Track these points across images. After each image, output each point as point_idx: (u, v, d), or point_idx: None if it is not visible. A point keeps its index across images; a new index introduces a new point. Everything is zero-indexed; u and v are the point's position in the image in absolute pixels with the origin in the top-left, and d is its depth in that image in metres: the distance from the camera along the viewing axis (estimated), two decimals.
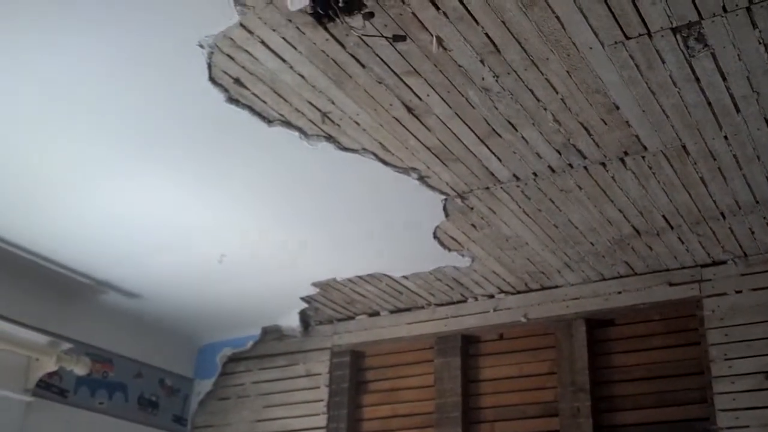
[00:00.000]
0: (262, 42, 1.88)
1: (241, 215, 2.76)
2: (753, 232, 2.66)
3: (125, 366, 3.68)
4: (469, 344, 3.38)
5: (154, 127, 2.27)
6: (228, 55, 1.94)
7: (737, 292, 2.83)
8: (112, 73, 2.04)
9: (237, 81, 2.04)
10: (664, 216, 2.59)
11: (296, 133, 2.24)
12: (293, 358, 3.75)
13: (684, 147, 2.22)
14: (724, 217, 2.58)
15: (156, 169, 2.48)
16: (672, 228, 2.66)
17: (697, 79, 1.93)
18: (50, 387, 3.32)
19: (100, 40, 1.92)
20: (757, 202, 2.48)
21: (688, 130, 2.14)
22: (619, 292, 3.05)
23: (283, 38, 1.86)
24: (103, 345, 3.58)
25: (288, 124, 2.21)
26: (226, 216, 2.77)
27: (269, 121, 2.20)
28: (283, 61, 1.94)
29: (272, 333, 3.81)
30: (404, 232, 2.86)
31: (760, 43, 1.80)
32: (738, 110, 2.05)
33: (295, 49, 1.89)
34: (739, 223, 2.61)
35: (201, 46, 1.91)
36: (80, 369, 3.28)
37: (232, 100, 2.11)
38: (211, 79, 2.03)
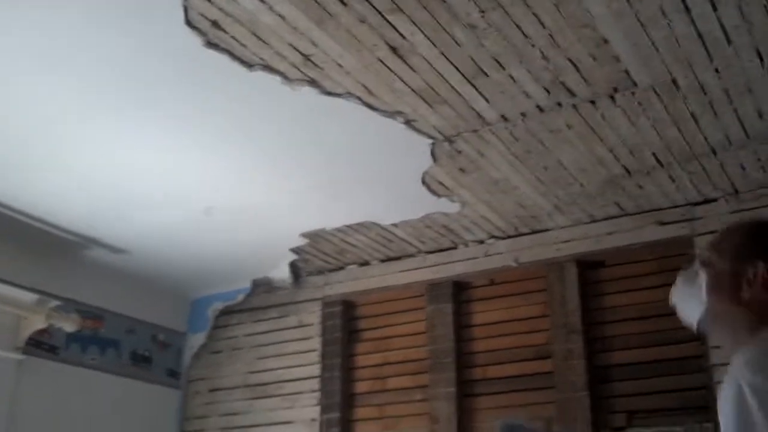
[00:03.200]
0: None
1: (226, 166, 2.72)
2: (744, 169, 2.64)
3: (116, 322, 3.67)
4: (460, 290, 3.38)
5: (133, 77, 2.21)
6: None
7: None
8: (87, 23, 1.98)
9: (215, 24, 1.97)
10: (654, 154, 2.56)
11: (278, 78, 2.19)
12: (285, 310, 3.75)
13: (674, 81, 2.17)
14: (714, 154, 2.55)
15: (138, 121, 2.43)
16: (662, 166, 2.63)
17: (688, 10, 1.88)
18: (41, 344, 3.31)
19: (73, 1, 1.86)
20: (749, 137, 2.45)
21: (678, 63, 2.09)
22: (610, 233, 3.03)
23: None
24: (92, 301, 3.56)
25: (269, 68, 2.15)
26: (211, 168, 2.72)
27: (250, 66, 2.14)
28: (262, 1, 1.88)
29: (263, 285, 3.80)
30: (392, 179, 2.83)
31: None
32: (729, 41, 2.00)
33: None
34: (730, 159, 2.58)
35: None
36: (69, 326, 3.27)
37: (211, 44, 2.05)
38: (188, 23, 1.97)
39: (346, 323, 3.59)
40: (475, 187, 2.83)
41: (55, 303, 3.25)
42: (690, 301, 1.60)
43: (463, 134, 2.49)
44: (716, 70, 2.12)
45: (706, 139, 2.46)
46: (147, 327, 3.81)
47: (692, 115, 2.33)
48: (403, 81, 2.21)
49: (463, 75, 2.18)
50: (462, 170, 2.72)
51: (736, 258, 1.52)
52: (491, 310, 3.30)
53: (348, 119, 2.41)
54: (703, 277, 1.56)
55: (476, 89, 2.25)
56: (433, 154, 2.62)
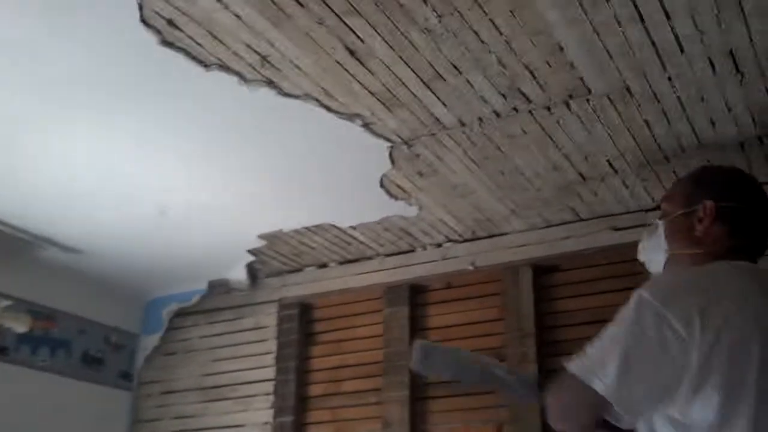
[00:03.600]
0: None
1: (183, 166, 2.69)
2: None
3: (68, 322, 3.61)
4: (417, 293, 3.38)
5: (87, 75, 2.18)
6: None
7: None
8: (39, 20, 1.95)
9: (170, 22, 1.95)
10: (608, 160, 2.59)
11: (235, 78, 2.17)
12: (241, 312, 3.71)
13: (628, 89, 2.20)
14: (668, 161, 2.59)
15: (92, 119, 2.40)
16: (616, 172, 2.66)
17: (642, 18, 1.91)
18: None
19: None
20: (701, 144, 2.49)
21: (632, 71, 2.12)
22: (565, 238, 3.06)
23: None
24: (44, 302, 3.49)
25: (226, 68, 2.13)
26: (167, 167, 2.70)
27: (206, 65, 2.12)
28: (218, 0, 1.86)
29: (219, 287, 3.76)
30: (351, 182, 2.82)
31: None
32: (682, 50, 2.03)
33: None
34: (683, 167, 2.61)
35: None
36: (20, 326, 3.21)
37: (166, 42, 2.02)
38: (143, 21, 1.94)
39: (303, 325, 3.57)
40: (433, 190, 2.84)
41: (5, 303, 3.19)
42: (655, 253, 1.74)
43: (422, 138, 2.50)
44: (669, 78, 2.16)
45: (659, 146, 2.50)
46: (99, 328, 3.75)
47: (646, 122, 2.37)
48: (361, 84, 2.21)
49: (420, 79, 2.19)
50: (420, 174, 2.72)
51: (686, 203, 1.67)
52: (447, 314, 3.30)
53: (306, 121, 2.40)
54: (661, 227, 1.68)
55: (434, 93, 2.25)
56: (391, 157, 2.62)
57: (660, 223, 1.74)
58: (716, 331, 1.40)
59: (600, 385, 1.44)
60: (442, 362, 2.24)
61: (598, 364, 1.46)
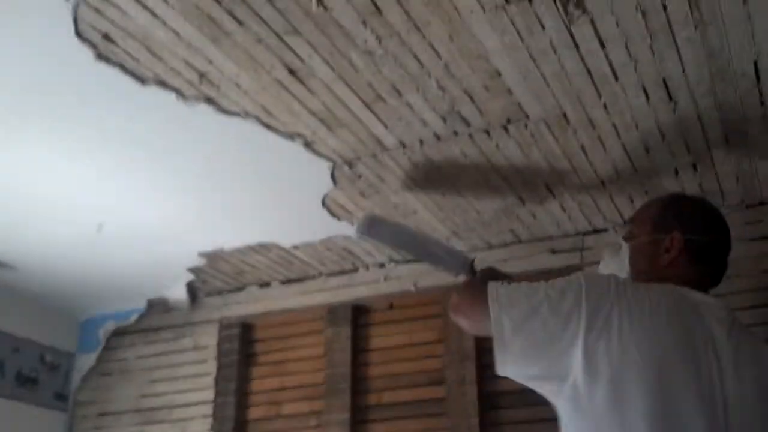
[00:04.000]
0: None
1: (122, 182, 2.64)
2: (632, 200, 2.73)
3: (1, 340, 3.50)
4: (359, 314, 3.37)
5: (20, 89, 2.13)
6: (95, 9, 1.83)
7: None
8: None
9: (106, 36, 1.92)
10: (546, 184, 2.62)
11: (173, 94, 2.15)
12: (180, 332, 3.65)
13: (565, 115, 2.24)
14: (604, 186, 2.64)
15: (27, 133, 2.34)
16: (554, 196, 2.70)
17: (577, 46, 1.94)
18: None
19: None
20: (636, 171, 2.54)
21: (568, 98, 2.15)
22: (505, 260, 3.07)
23: None
24: None
25: (163, 83, 2.11)
26: (103, 183, 2.64)
27: (143, 81, 2.09)
28: (155, 15, 1.84)
29: (158, 305, 3.70)
30: (293, 201, 2.81)
31: (637, 9, 1.82)
32: (616, 78, 2.07)
33: (167, 3, 1.80)
34: (619, 192, 2.67)
35: None
36: None
37: (102, 57, 1.99)
38: (78, 35, 1.91)
39: (244, 346, 3.53)
40: (375, 210, 2.83)
41: None
42: (618, 273, 1.76)
43: (363, 158, 2.50)
44: (605, 106, 2.20)
45: (595, 171, 2.54)
46: (34, 346, 3.65)
47: (582, 147, 2.40)
48: (301, 103, 2.20)
49: (361, 100, 2.19)
50: (362, 194, 2.72)
51: (654, 229, 1.68)
52: (389, 335, 3.29)
53: (247, 138, 2.38)
54: (625, 249, 1.72)
55: (375, 114, 2.26)
56: (333, 177, 2.61)
57: (624, 244, 1.77)
58: (616, 332, 1.45)
59: (494, 316, 1.56)
60: (385, 232, 2.46)
61: (508, 301, 1.57)
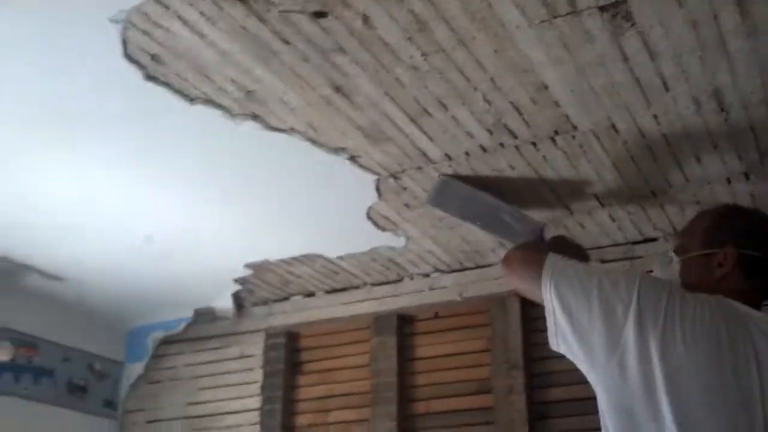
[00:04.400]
0: (179, 17, 1.79)
1: (170, 195, 2.68)
2: (683, 210, 2.68)
3: (51, 350, 3.57)
4: (404, 323, 3.36)
5: (75, 106, 2.17)
6: (143, 31, 1.85)
7: None
8: (25, 56, 1.95)
9: (154, 57, 1.95)
10: (595, 195, 2.59)
11: (220, 112, 2.16)
12: (226, 341, 3.68)
13: (613, 126, 2.21)
14: (654, 195, 2.59)
15: (78, 148, 2.39)
16: (603, 206, 2.66)
17: (626, 59, 1.91)
18: None
19: (11, 24, 1.83)
20: (687, 180, 2.49)
21: (617, 109, 2.12)
22: None
23: (201, 13, 1.78)
24: (26, 329, 3.46)
25: (211, 102, 2.13)
26: (153, 196, 2.68)
27: (191, 99, 2.11)
28: (202, 37, 1.86)
29: (205, 315, 3.74)
30: (338, 213, 2.81)
31: (687, 20, 1.78)
32: (667, 89, 2.04)
33: (214, 25, 1.81)
34: (670, 201, 2.63)
35: (114, 21, 1.81)
36: (2, 355, 3.19)
37: (151, 77, 2.02)
38: (127, 56, 1.94)
39: (290, 355, 3.55)
40: (420, 222, 2.83)
41: None
42: None
43: (408, 171, 2.49)
44: (654, 116, 2.16)
45: (645, 180, 2.50)
46: (83, 356, 3.71)
47: (632, 158, 2.37)
48: (347, 119, 2.21)
49: (407, 114, 2.18)
50: (407, 206, 2.72)
51: (706, 243, 1.63)
52: (435, 344, 3.28)
53: (293, 152, 2.39)
54: (676, 263, 1.67)
55: (420, 128, 2.25)
56: (378, 189, 2.61)
57: (675, 258, 1.73)
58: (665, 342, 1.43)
59: (545, 289, 1.56)
60: (455, 200, 2.45)
61: (563, 277, 1.56)
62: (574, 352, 1.54)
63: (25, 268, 3.21)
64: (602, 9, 1.74)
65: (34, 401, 3.45)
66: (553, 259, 1.62)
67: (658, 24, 1.79)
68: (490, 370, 3.09)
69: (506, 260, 1.80)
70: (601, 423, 1.52)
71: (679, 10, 1.75)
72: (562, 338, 1.54)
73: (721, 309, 1.51)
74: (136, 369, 3.81)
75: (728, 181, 2.50)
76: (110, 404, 3.79)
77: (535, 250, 1.76)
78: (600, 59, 1.92)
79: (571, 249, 2.08)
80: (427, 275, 3.31)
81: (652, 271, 2.52)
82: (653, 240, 2.90)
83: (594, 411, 1.60)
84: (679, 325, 1.44)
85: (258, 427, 3.44)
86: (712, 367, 1.42)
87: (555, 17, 1.76)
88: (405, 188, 2.59)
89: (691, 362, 1.41)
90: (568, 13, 1.75)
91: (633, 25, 1.79)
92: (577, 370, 2.98)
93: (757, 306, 1.62)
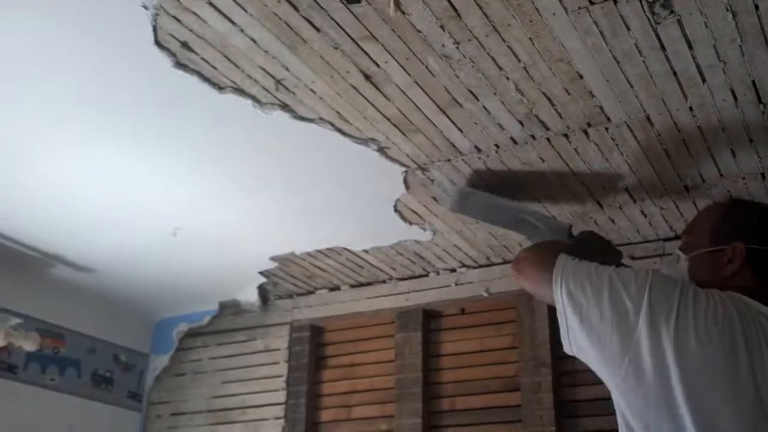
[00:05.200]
0: (210, 3, 1.78)
1: (196, 187, 2.67)
2: None
3: (78, 341, 3.59)
4: (430, 319, 3.34)
5: (102, 95, 2.16)
6: (174, 17, 1.84)
7: None
8: (55, 43, 1.94)
9: (184, 45, 1.93)
10: (627, 189, 2.55)
11: (249, 101, 2.15)
12: (252, 334, 3.68)
13: (648, 118, 2.16)
14: (687, 191, 2.54)
15: (106, 139, 2.38)
16: (635, 201, 2.62)
17: (663, 48, 1.87)
18: None
19: (41, 12, 1.82)
20: (722, 175, 2.44)
21: (652, 100, 2.08)
22: None
23: None
24: (53, 320, 3.48)
25: (240, 91, 2.11)
26: (179, 188, 2.68)
27: (220, 88, 2.10)
28: (233, 23, 1.84)
29: (230, 308, 3.74)
30: (364, 205, 2.79)
31: (727, 10, 1.74)
32: (704, 80, 1.99)
33: (245, 11, 1.80)
34: (702, 197, 2.58)
35: (144, 7, 1.80)
36: (29, 345, 3.19)
37: (180, 65, 2.01)
38: (157, 43, 1.93)
39: (314, 349, 3.54)
40: (447, 216, 2.80)
41: (15, 321, 3.17)
42: None
43: (437, 163, 2.46)
44: (690, 108, 2.12)
45: (679, 176, 2.45)
46: (109, 347, 3.73)
47: (666, 151, 2.32)
48: (376, 109, 2.18)
49: (437, 104, 2.16)
50: (434, 199, 2.69)
51: (714, 239, 1.61)
52: (460, 340, 3.26)
53: (321, 144, 2.37)
54: (684, 262, 1.62)
55: (450, 119, 2.22)
56: (405, 181, 2.59)
57: (683, 256, 1.69)
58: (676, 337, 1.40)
59: (556, 291, 1.54)
60: (477, 205, 2.43)
61: (574, 274, 1.54)
62: (586, 354, 1.51)
63: (55, 259, 3.22)
64: None
65: (59, 392, 3.46)
66: (563, 260, 1.60)
67: (697, 12, 1.75)
68: (517, 368, 3.06)
69: (517, 263, 1.78)
70: (620, 426, 1.48)
71: None
72: (574, 340, 1.51)
73: (734, 305, 1.48)
74: (161, 361, 3.82)
75: (763, 176, 2.45)
76: (135, 396, 3.80)
77: (546, 252, 1.73)
78: (636, 48, 1.88)
79: (599, 245, 2.04)
80: (453, 270, 3.28)
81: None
82: None
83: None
84: (693, 322, 1.40)
85: (282, 421, 3.43)
86: (727, 365, 1.38)
87: (592, 4, 1.73)
88: (433, 180, 2.57)
89: (707, 361, 1.38)
90: (605, 0, 1.71)
91: (671, 12, 1.75)
92: None
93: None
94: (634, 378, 1.41)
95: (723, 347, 1.39)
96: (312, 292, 3.58)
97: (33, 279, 3.36)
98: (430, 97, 2.12)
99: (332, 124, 2.27)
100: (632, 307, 1.44)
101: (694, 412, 1.36)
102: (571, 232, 2.24)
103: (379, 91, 2.10)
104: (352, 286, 3.50)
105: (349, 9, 1.77)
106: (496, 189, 2.53)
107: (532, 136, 2.28)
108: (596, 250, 2.11)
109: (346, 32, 1.86)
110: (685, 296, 1.44)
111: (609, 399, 1.49)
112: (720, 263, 1.58)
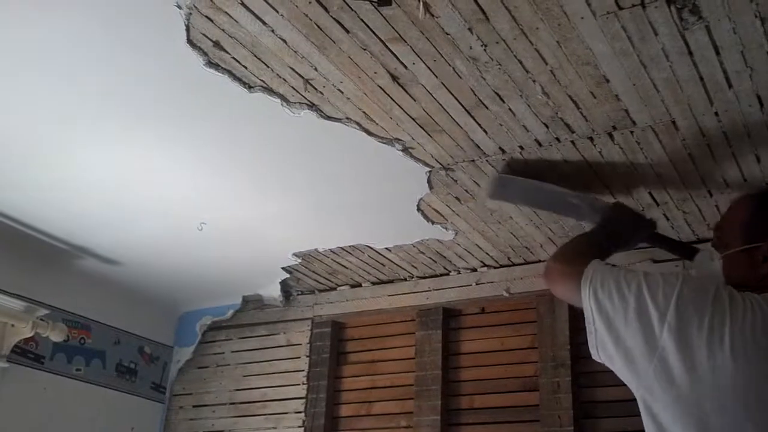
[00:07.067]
0: (242, 3, 1.81)
1: (222, 183, 2.70)
2: None
3: (103, 333, 3.64)
4: (450, 317, 3.36)
5: (132, 91, 2.20)
6: (207, 17, 1.87)
7: None
8: (89, 40, 1.98)
9: (216, 44, 1.97)
10: (650, 193, 2.55)
11: (277, 100, 2.18)
12: (274, 328, 3.72)
13: (674, 122, 2.17)
14: (711, 195, 2.55)
15: (134, 134, 2.42)
16: (658, 205, 2.63)
17: (690, 53, 1.88)
18: (26, 353, 3.28)
19: (74, 9, 1.86)
20: (745, 180, 2.45)
21: (678, 105, 2.09)
22: None
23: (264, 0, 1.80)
24: (80, 311, 3.53)
25: (269, 90, 2.14)
26: (206, 183, 2.71)
27: (250, 87, 2.13)
28: (264, 24, 1.87)
29: (253, 302, 3.78)
30: (387, 204, 2.82)
31: (756, 16, 1.75)
32: (730, 86, 2.00)
33: (277, 11, 1.83)
34: (726, 201, 2.57)
35: (178, 6, 1.84)
36: (56, 335, 3.24)
37: (212, 64, 2.04)
38: (190, 42, 1.96)
39: (335, 344, 3.57)
40: (469, 215, 2.82)
41: (43, 311, 3.23)
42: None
43: (461, 164, 2.48)
44: (716, 114, 2.12)
45: (702, 179, 2.46)
46: (134, 338, 3.79)
47: (690, 156, 2.33)
48: (402, 109, 2.21)
49: (462, 106, 2.18)
50: (458, 199, 2.71)
51: (748, 236, 1.55)
52: (480, 339, 3.28)
53: (346, 143, 2.40)
54: (718, 261, 1.59)
55: (475, 120, 2.24)
56: (429, 181, 2.61)
57: (716, 254, 1.66)
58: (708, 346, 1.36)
59: (585, 297, 1.57)
60: (518, 190, 2.44)
61: (602, 283, 1.55)
62: (613, 361, 1.49)
63: (83, 252, 3.27)
64: (670, 2, 1.71)
65: (85, 382, 3.52)
66: (593, 267, 1.61)
67: (726, 18, 1.76)
68: (536, 368, 3.07)
69: (547, 273, 1.81)
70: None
71: (749, 4, 1.71)
72: (602, 346, 1.50)
73: None
74: (184, 353, 3.87)
75: None
76: (158, 387, 3.85)
77: (573, 260, 1.73)
78: (664, 53, 1.89)
79: (630, 220, 2.05)
80: (474, 270, 3.30)
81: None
82: (707, 240, 2.83)
83: (637, 413, 1.56)
84: (729, 333, 1.35)
85: (302, 415, 3.47)
86: (759, 379, 1.34)
87: (621, 9, 1.74)
88: (456, 181, 2.59)
89: (741, 376, 1.33)
90: (634, 5, 1.72)
91: (700, 18, 1.76)
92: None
93: None
94: (660, 389, 1.38)
95: (759, 361, 1.34)
96: (334, 289, 3.61)
97: (61, 271, 3.42)
98: (456, 99, 2.14)
99: (359, 124, 2.29)
100: (657, 316, 1.40)
101: (723, 427, 1.33)
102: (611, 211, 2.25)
103: (406, 92, 2.12)
104: (374, 284, 3.53)
105: (378, 11, 1.80)
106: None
107: (557, 139, 2.30)
108: (627, 226, 2.12)
109: (375, 33, 1.89)
110: (720, 304, 1.38)
111: (628, 401, 1.49)
112: (755, 262, 1.51)
